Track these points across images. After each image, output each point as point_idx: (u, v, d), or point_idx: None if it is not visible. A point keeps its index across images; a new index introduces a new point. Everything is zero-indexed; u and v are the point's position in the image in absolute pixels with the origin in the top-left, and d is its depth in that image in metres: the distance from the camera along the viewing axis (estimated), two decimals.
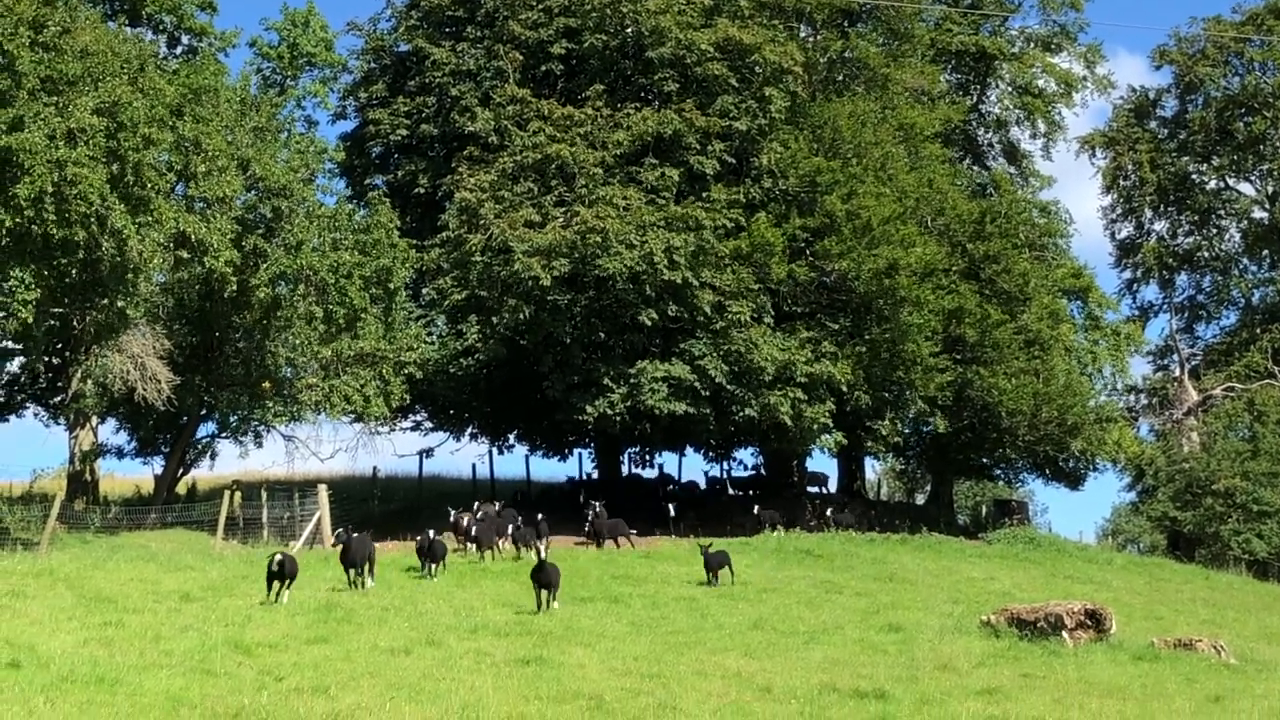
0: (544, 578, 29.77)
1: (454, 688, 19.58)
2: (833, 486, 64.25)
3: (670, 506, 50.89)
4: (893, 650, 25.93)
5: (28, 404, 54.89)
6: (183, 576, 31.45)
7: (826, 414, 51.05)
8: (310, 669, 20.57)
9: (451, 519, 42.17)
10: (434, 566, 34.14)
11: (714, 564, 33.71)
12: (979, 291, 57.27)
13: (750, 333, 49.83)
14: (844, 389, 51.21)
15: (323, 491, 44.53)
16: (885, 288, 51.84)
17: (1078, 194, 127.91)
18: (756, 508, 50.90)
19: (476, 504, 44.92)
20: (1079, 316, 68.05)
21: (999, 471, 67.91)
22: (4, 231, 33.60)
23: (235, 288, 42.97)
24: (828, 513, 51.88)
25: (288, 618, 26.34)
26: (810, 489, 61.32)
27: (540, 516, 43.12)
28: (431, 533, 35.07)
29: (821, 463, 68.73)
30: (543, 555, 29.87)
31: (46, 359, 50.96)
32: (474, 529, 40.13)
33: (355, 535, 33.17)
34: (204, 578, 31.44)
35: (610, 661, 23.00)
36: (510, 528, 40.52)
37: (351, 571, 31.74)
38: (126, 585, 28.87)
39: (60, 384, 49.23)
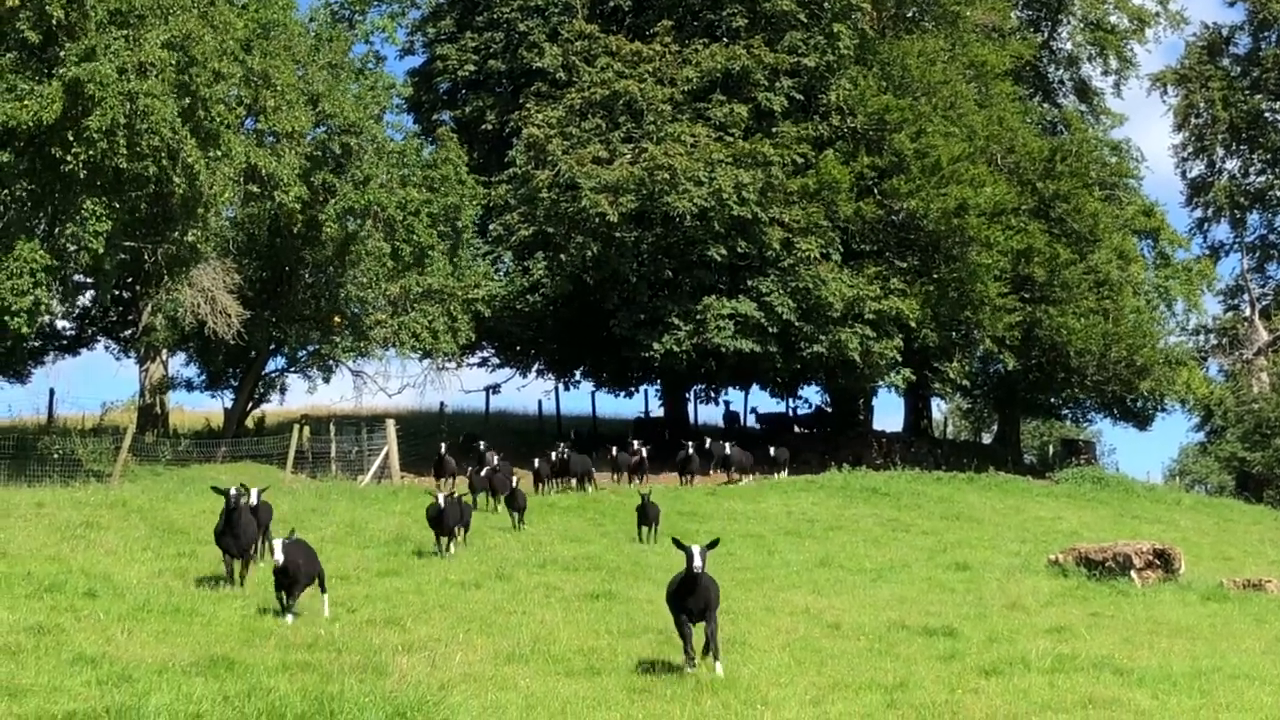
0: (649, 513, 31.04)
1: (524, 621, 19.65)
2: (898, 425, 64.24)
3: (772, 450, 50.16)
4: (960, 589, 25.84)
5: (99, 337, 55.40)
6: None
7: (895, 350, 50.85)
8: (382, 601, 20.68)
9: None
10: (516, 517, 33.34)
11: (651, 516, 32.39)
12: (1048, 231, 56.86)
13: (818, 269, 49.64)
14: (912, 326, 51.06)
15: (390, 426, 44.74)
16: (954, 227, 51.59)
17: (1149, 132, 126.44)
18: (771, 448, 50.04)
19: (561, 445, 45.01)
20: (1149, 255, 67.45)
21: (1066, 411, 67.54)
22: (77, 164, 33.64)
23: (304, 223, 43.10)
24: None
25: (358, 551, 26.50)
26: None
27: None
28: (516, 480, 34.37)
29: (888, 401, 68.62)
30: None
31: (117, 293, 51.34)
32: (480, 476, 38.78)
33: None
34: (274, 511, 31.56)
35: None
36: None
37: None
38: (198, 517, 28.92)
39: (131, 318, 49.61)
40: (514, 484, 33.25)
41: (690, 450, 44.72)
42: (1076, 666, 17.51)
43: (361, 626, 18.62)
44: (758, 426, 61.91)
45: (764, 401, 74.11)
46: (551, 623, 19.62)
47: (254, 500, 21.22)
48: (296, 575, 18.57)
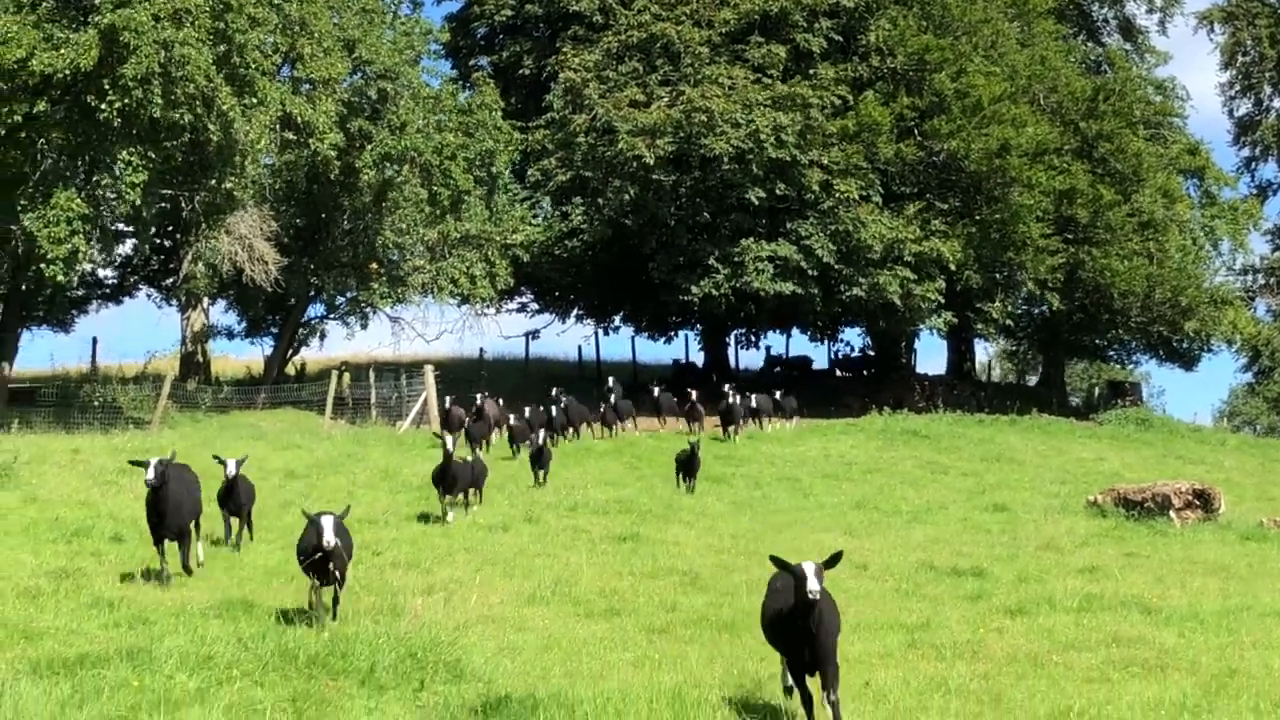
0: (690, 465, 30.21)
1: (549, 563, 19.60)
2: (941, 369, 63.98)
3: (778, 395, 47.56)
4: (996, 530, 25.67)
5: (141, 286, 55.68)
6: (289, 455, 31.63)
7: (936, 292, 50.51)
8: (408, 544, 20.66)
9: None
10: (540, 474, 32.25)
11: (694, 468, 31.68)
12: (1091, 171, 56.32)
13: (858, 211, 49.29)
14: (953, 268, 50.66)
15: (429, 372, 44.76)
16: (995, 168, 51.16)
17: (1195, 70, 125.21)
18: (727, 386, 45.01)
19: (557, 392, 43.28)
20: (1195, 195, 66.72)
21: (1112, 353, 67.09)
22: (112, 112, 33.61)
23: (341, 170, 43.02)
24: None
25: (390, 495, 26.52)
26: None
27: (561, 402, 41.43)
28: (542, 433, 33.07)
29: (932, 345, 68.19)
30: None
31: (158, 241, 51.51)
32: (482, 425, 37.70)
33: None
34: (310, 456, 31.61)
35: (708, 539, 22.93)
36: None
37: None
38: None
39: (172, 266, 49.74)
40: (541, 439, 30.55)
41: (732, 398, 42.30)
42: (1104, 606, 17.35)
43: (383, 569, 18.62)
44: (779, 370, 61.52)
45: (803, 346, 73.80)
46: (575, 565, 19.56)
47: (232, 471, 19.83)
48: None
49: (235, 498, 20.39)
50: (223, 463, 20.23)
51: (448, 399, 40.17)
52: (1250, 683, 13.50)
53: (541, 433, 31.04)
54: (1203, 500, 26.92)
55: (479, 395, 39.67)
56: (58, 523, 20.16)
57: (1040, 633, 15.78)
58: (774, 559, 12.46)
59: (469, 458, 25.73)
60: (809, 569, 11.82)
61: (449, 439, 23.86)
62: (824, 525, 25.66)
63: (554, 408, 39.62)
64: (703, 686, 12.92)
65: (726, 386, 44.26)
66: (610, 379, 47.11)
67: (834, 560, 12.08)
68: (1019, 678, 13.68)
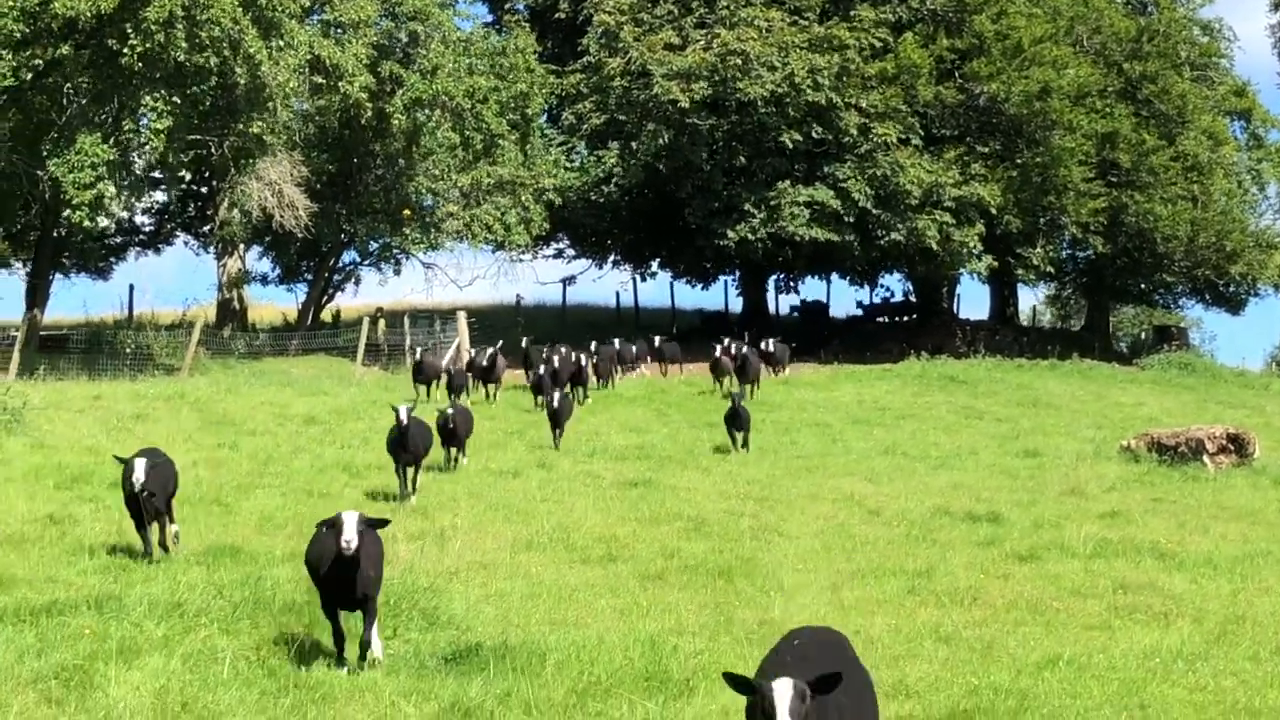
0: (736, 422, 27.35)
1: (552, 509, 19.32)
2: (984, 314, 63.46)
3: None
4: (1024, 475, 25.29)
5: (178, 233, 55.67)
6: (314, 401, 31.46)
7: (975, 237, 49.90)
8: (416, 491, 20.33)
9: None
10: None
11: (742, 422, 30.37)
12: (1135, 113, 55.55)
13: (896, 155, 48.69)
14: (993, 212, 50.03)
15: (461, 318, 44.65)
16: (1036, 111, 50.48)
17: (1242, 11, 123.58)
18: (726, 342, 41.31)
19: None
20: (1241, 137, 65.73)
21: (1157, 297, 66.24)
22: (134, 57, 33.33)
23: (372, 114, 42.67)
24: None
25: None
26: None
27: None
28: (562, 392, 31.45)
29: (972, 288, 67.56)
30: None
31: (195, 187, 51.41)
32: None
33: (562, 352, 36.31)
34: (334, 402, 31.43)
35: (724, 486, 22.59)
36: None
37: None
38: (256, 409, 28.91)
39: (209, 213, 49.61)
40: (556, 397, 27.97)
41: (718, 352, 39.17)
42: (1117, 551, 17.01)
43: (384, 514, 18.31)
44: (795, 316, 61.25)
45: (842, 290, 73.19)
46: (580, 511, 19.29)
47: (140, 476, 17.08)
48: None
49: (410, 444, 20.30)
50: (395, 410, 20.54)
51: (419, 350, 38.27)
52: (1255, 630, 13.16)
53: (556, 394, 28.52)
54: (1236, 444, 26.49)
55: (490, 348, 37.85)
56: (60, 469, 19.99)
57: (1047, 579, 15.44)
58: None
59: (449, 410, 24.06)
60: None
61: (403, 409, 20.96)
62: (847, 471, 25.30)
63: (583, 356, 37.23)
64: (684, 634, 12.61)
65: (725, 340, 42.39)
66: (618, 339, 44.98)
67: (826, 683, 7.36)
68: (1016, 625, 13.38)
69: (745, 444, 27.55)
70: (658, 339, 45.81)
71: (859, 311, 62.48)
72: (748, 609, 13.84)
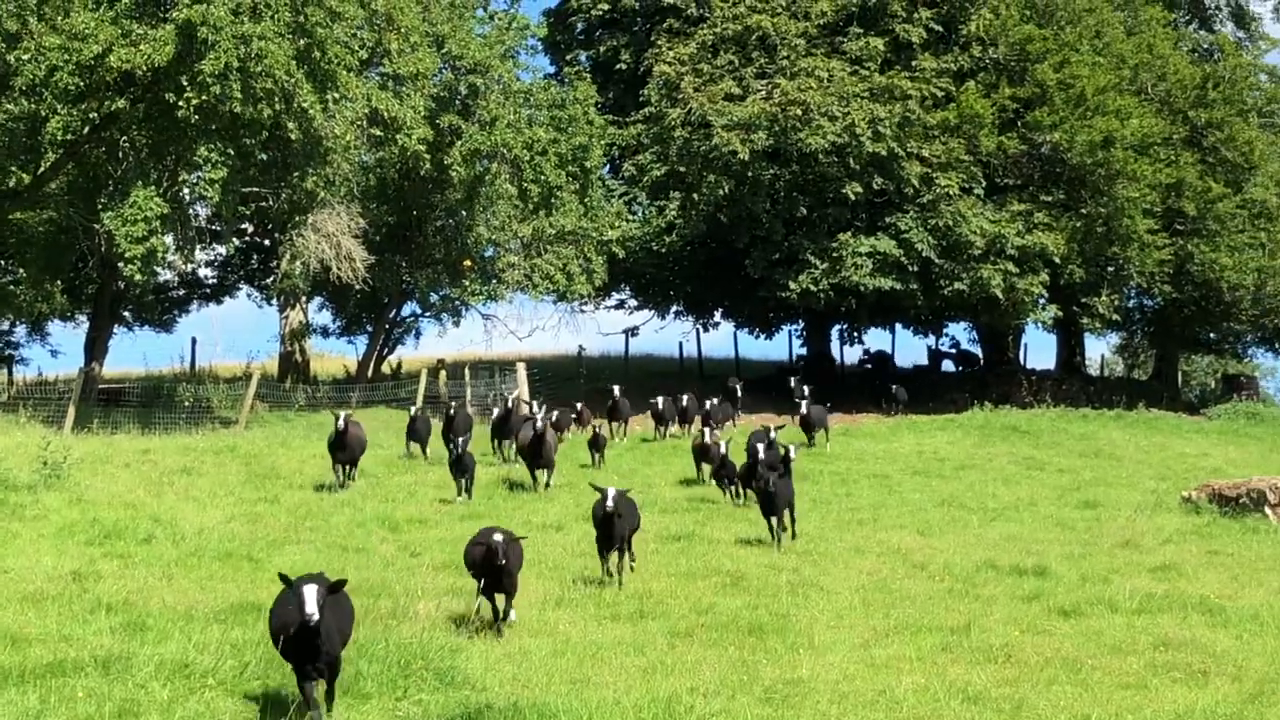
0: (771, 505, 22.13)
1: (589, 564, 18.96)
2: (1051, 364, 62.92)
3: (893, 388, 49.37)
4: (1080, 527, 24.93)
5: (240, 285, 55.93)
6: (367, 454, 31.26)
7: (1040, 286, 49.45)
8: (451, 545, 19.98)
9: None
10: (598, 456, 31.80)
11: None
12: (1201, 160, 55.02)
13: (959, 205, 48.33)
14: (1057, 261, 49.58)
15: (521, 369, 44.59)
16: (1100, 160, 49.98)
17: None
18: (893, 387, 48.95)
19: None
20: None
21: (1226, 345, 65.52)
22: (189, 109, 33.40)
23: (431, 166, 42.68)
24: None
25: (454, 494, 26.02)
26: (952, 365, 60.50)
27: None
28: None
29: (1040, 338, 66.95)
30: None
31: (256, 240, 51.62)
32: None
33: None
34: (385, 455, 31.27)
35: (767, 538, 22.12)
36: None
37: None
38: (305, 463, 28.69)
39: (272, 265, 49.79)
40: (542, 439, 27.30)
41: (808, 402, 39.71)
42: (1164, 607, 16.63)
43: (414, 570, 18.15)
44: (859, 365, 61.35)
45: (907, 341, 72.83)
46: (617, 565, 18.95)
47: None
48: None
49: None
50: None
51: (412, 408, 34.96)
52: None
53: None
54: None
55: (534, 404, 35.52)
56: (93, 524, 19.78)
57: (1087, 635, 15.09)
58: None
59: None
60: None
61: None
62: (898, 523, 24.94)
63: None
64: (705, 695, 12.32)
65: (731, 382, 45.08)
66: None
67: None
68: (1048, 684, 13.03)
69: (786, 528, 22.28)
70: (711, 401, 43.80)
71: (924, 361, 62.13)
72: (774, 667, 13.56)
